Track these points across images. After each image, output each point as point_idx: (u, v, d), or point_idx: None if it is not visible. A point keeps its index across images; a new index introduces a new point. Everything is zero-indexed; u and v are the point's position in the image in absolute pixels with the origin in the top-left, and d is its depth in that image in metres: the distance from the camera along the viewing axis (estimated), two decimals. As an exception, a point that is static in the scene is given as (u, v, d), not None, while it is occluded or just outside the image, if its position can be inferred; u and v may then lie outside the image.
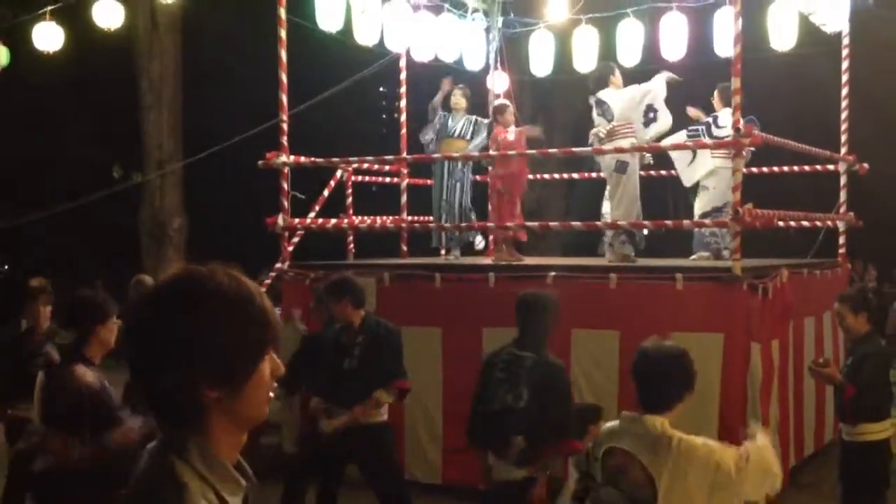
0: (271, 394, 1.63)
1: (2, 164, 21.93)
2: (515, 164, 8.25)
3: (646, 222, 7.63)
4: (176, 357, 1.53)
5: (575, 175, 10.72)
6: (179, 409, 1.56)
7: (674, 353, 3.31)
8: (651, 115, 8.34)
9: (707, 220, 7.82)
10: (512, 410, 4.60)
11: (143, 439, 3.71)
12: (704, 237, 8.20)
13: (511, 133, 8.25)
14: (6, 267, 31.10)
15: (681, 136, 8.46)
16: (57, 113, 20.33)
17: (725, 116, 8.05)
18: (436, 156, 8.61)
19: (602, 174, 8.20)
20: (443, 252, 9.01)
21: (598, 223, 7.77)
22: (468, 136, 8.77)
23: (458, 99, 8.82)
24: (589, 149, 7.85)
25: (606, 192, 8.16)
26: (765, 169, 9.19)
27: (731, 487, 3.11)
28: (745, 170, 7.04)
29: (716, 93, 8.31)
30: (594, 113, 7.96)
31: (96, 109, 19.32)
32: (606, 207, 8.19)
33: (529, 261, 8.51)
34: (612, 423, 3.42)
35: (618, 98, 7.83)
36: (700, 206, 8.40)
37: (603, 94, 7.87)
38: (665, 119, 8.24)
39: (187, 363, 1.52)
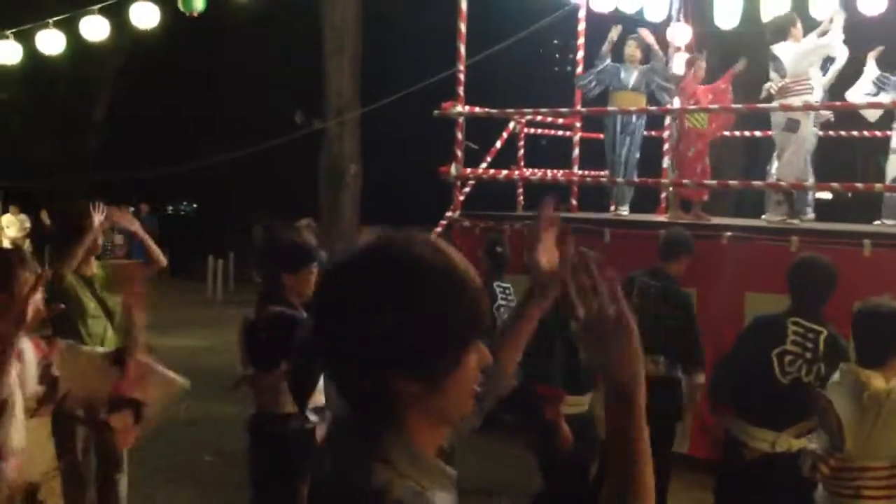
0: (476, 387, 1.40)
1: (191, 106, 23.22)
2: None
3: (830, 184, 7.21)
4: (369, 345, 1.31)
5: (757, 133, 10.23)
6: (372, 402, 1.35)
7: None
8: (828, 64, 7.91)
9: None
10: (804, 385, 4.16)
11: None
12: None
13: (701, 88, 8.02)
14: (195, 205, 33.06)
15: (866, 83, 7.93)
16: (244, 58, 21.25)
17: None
18: (612, 108, 8.45)
19: (772, 132, 7.85)
20: (612, 207, 8.86)
21: (781, 183, 7.41)
22: (642, 89, 8.53)
23: (633, 51, 8.57)
24: (775, 105, 7.45)
25: (775, 152, 7.80)
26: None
27: None
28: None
29: None
30: (770, 67, 7.65)
31: (281, 56, 20.05)
32: (775, 167, 7.83)
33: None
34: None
35: (791, 52, 7.46)
36: (892, 170, 7.83)
37: (777, 49, 7.54)
38: (840, 56, 7.74)
39: (382, 353, 1.31)
